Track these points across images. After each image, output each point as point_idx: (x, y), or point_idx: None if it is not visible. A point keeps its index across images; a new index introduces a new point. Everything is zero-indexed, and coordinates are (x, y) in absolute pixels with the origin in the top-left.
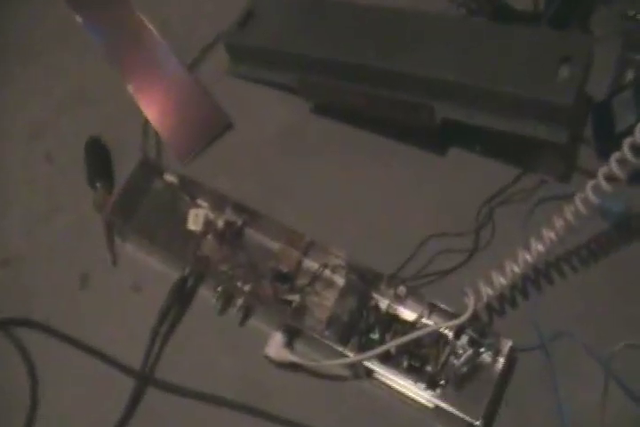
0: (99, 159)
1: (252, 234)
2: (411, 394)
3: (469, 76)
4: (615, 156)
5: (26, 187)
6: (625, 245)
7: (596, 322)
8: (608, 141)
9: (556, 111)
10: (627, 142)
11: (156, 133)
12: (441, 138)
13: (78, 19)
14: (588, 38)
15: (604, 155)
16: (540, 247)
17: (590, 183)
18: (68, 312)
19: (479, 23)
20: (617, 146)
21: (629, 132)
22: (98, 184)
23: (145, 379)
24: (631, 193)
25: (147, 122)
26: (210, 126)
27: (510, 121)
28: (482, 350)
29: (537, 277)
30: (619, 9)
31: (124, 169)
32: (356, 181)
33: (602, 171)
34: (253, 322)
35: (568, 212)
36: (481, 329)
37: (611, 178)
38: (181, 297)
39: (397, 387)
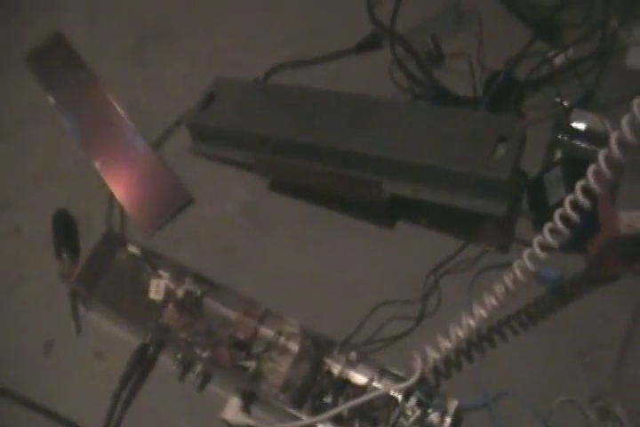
0: (65, 231)
1: (210, 303)
2: None
3: (414, 155)
4: (548, 226)
5: None
6: (560, 308)
7: (535, 380)
8: (542, 213)
9: (495, 186)
10: (557, 213)
11: (121, 207)
12: (390, 212)
13: (51, 99)
14: (522, 121)
15: (539, 226)
16: (483, 312)
17: (527, 252)
18: (33, 378)
19: (423, 107)
20: (550, 217)
21: (560, 204)
22: (64, 254)
23: None
24: (565, 260)
25: (112, 196)
26: (172, 201)
27: (453, 196)
28: (430, 410)
29: (480, 340)
30: (548, 96)
31: (89, 240)
32: (311, 254)
33: (536, 240)
34: (212, 387)
35: (507, 279)
36: (428, 391)
37: (545, 247)
38: (142, 364)
39: None
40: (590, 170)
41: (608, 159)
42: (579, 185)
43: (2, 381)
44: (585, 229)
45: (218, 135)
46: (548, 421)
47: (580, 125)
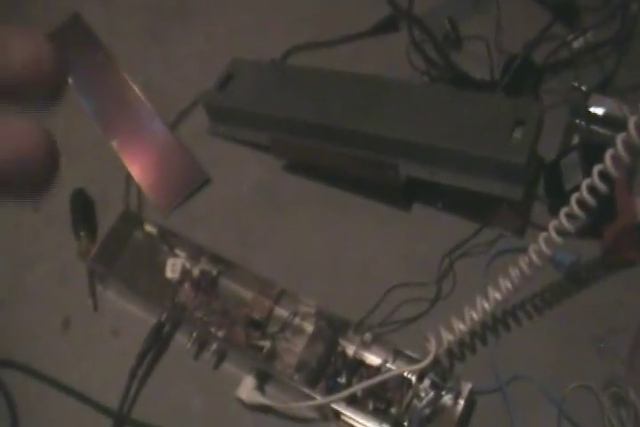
0: (83, 210)
1: (226, 283)
2: None
3: (431, 137)
4: (564, 210)
5: (12, 234)
6: (575, 294)
7: (549, 365)
8: (558, 198)
9: (512, 170)
10: (574, 198)
11: (138, 187)
12: (406, 194)
13: (68, 80)
14: (539, 104)
15: (554, 210)
16: (498, 296)
17: (543, 236)
18: (50, 355)
19: (440, 89)
20: (566, 202)
21: (577, 189)
22: (81, 233)
23: (122, 419)
24: (581, 245)
25: (129, 176)
26: (189, 181)
27: (470, 179)
28: (443, 392)
29: (495, 323)
30: (566, 81)
31: (106, 220)
32: (326, 234)
33: (552, 224)
34: (226, 366)
35: (523, 263)
36: (442, 373)
37: (561, 231)
38: (158, 342)
39: None
40: (608, 154)
41: (626, 144)
42: (596, 169)
43: (19, 356)
44: (601, 215)
45: (235, 116)
46: (562, 406)
47: (599, 110)
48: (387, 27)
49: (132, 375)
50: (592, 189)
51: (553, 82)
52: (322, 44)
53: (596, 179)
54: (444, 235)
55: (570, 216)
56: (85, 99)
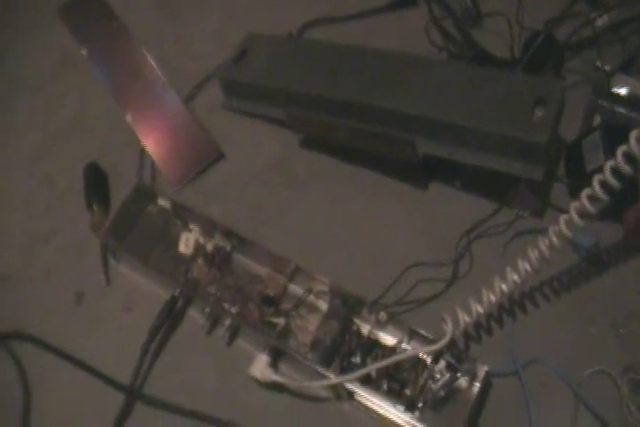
0: (96, 183)
1: (240, 259)
2: (390, 416)
3: (450, 115)
4: (586, 192)
5: (26, 208)
6: (595, 277)
7: (567, 349)
8: (579, 180)
9: (532, 149)
10: (597, 179)
11: (152, 161)
12: (423, 172)
13: (83, 51)
14: (561, 82)
15: (575, 192)
16: (516, 277)
17: (563, 217)
18: (63, 328)
19: (460, 66)
20: (587, 184)
21: (599, 170)
22: (95, 207)
23: (134, 394)
24: (601, 228)
25: (143, 150)
26: (202, 156)
27: (489, 158)
28: (459, 374)
29: (512, 306)
30: (589, 60)
31: (120, 193)
32: (342, 212)
33: (574, 206)
34: (240, 342)
35: (542, 244)
36: (458, 355)
37: (582, 213)
38: (171, 317)
39: (377, 409)
40: (633, 135)
41: None
42: (620, 150)
43: (32, 329)
44: (623, 197)
45: (250, 91)
46: (579, 390)
47: (622, 91)
48: (405, 2)
49: (145, 350)
50: (616, 171)
51: (575, 61)
52: (338, 19)
53: (620, 160)
54: (461, 214)
55: (592, 198)
56: (100, 70)
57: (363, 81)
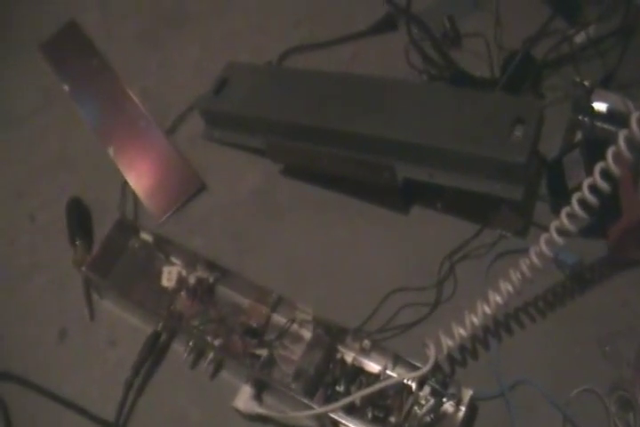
0: (79, 218)
1: (223, 290)
2: None
3: (429, 138)
4: (566, 210)
5: (9, 244)
6: (579, 295)
7: (553, 369)
8: (561, 197)
9: (511, 169)
10: (575, 197)
11: (134, 194)
12: (404, 196)
13: (65, 87)
14: (540, 102)
15: (558, 210)
16: (499, 299)
17: (544, 237)
18: (46, 366)
19: (439, 88)
20: (569, 201)
21: (580, 188)
22: (77, 242)
23: None
24: (585, 245)
25: (125, 183)
26: (184, 188)
27: (468, 179)
28: (444, 399)
29: (497, 327)
30: (568, 76)
31: (103, 228)
32: (323, 239)
33: (554, 225)
34: (224, 375)
35: (524, 265)
36: (443, 379)
37: (563, 232)
38: (155, 351)
39: None
40: (610, 152)
41: (628, 140)
42: (597, 168)
43: (16, 368)
44: (606, 213)
45: (230, 120)
46: (566, 411)
47: (602, 106)
48: (385, 26)
49: (129, 386)
50: (594, 188)
51: (555, 78)
52: (319, 45)
53: (597, 178)
54: (444, 237)
55: (571, 216)
56: (82, 105)
57: (341, 108)
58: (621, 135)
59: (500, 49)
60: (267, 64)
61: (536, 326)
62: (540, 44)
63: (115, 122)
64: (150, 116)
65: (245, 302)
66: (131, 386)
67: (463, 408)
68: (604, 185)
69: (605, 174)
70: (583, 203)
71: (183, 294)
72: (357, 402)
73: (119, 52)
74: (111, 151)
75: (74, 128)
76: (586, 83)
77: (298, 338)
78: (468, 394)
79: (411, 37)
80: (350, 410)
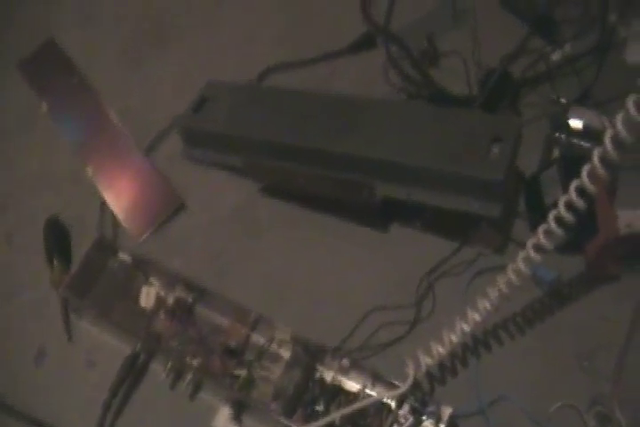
0: (57, 238)
1: (202, 310)
2: None
3: (407, 156)
4: (542, 227)
5: None
6: (558, 311)
7: (532, 385)
8: (539, 214)
9: (489, 187)
10: (552, 215)
11: (113, 214)
12: (383, 215)
13: (43, 106)
14: (517, 120)
15: (536, 227)
16: (477, 317)
17: (521, 254)
18: (24, 387)
19: (417, 106)
20: (546, 218)
21: (556, 205)
22: (55, 262)
23: None
24: (563, 261)
25: (104, 203)
26: (163, 207)
27: (446, 198)
28: (423, 417)
29: (476, 344)
30: (545, 94)
31: (82, 247)
32: (303, 258)
33: (530, 242)
34: (203, 396)
35: (501, 282)
36: (422, 398)
37: (540, 249)
38: (133, 372)
39: None
40: (585, 169)
41: (603, 158)
42: (573, 185)
43: None
44: (583, 229)
45: (209, 140)
46: (546, 426)
47: (578, 123)
48: (364, 44)
49: (106, 407)
50: (570, 206)
51: (533, 95)
52: (298, 64)
53: (573, 195)
54: (423, 255)
55: (548, 233)
56: (61, 124)
57: (320, 127)
58: (596, 153)
59: (478, 67)
60: (246, 83)
61: (515, 342)
62: (518, 62)
63: (94, 141)
64: (130, 134)
65: (224, 321)
66: (108, 408)
67: (442, 426)
68: (579, 202)
69: (581, 192)
70: (559, 220)
71: (162, 314)
72: (337, 421)
73: (99, 71)
74: (90, 171)
75: (53, 147)
76: (563, 100)
77: (277, 358)
78: (447, 412)
79: (389, 56)
80: None
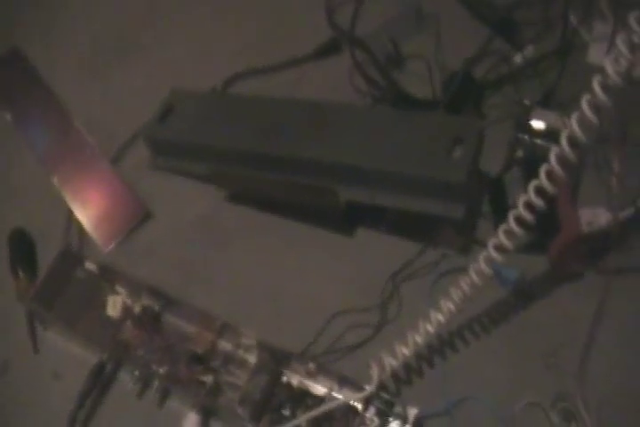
0: (22, 249)
1: (169, 318)
2: None
3: (369, 160)
4: (503, 227)
5: None
6: (523, 310)
7: (498, 384)
8: (502, 214)
9: (451, 189)
10: (511, 215)
11: (79, 224)
12: (348, 219)
13: (7, 115)
14: (478, 122)
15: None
16: (440, 318)
17: (482, 254)
18: None
19: (382, 111)
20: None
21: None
22: (20, 274)
23: None
24: (528, 261)
25: (70, 213)
26: (129, 216)
27: (410, 200)
28: (390, 419)
29: (441, 345)
30: (509, 96)
31: (48, 258)
32: (269, 265)
33: (491, 242)
34: (171, 403)
35: (464, 283)
36: (388, 399)
37: (501, 249)
38: (100, 382)
39: None
40: (543, 169)
41: (560, 158)
42: (532, 185)
43: None
44: (546, 229)
45: (175, 148)
46: (511, 425)
47: (540, 124)
48: (329, 49)
49: (73, 419)
50: (529, 206)
51: (496, 97)
52: (263, 70)
53: (532, 195)
54: (388, 258)
55: (509, 233)
56: (25, 134)
57: (286, 133)
58: (553, 153)
59: (441, 70)
60: (211, 90)
61: (480, 342)
62: (481, 65)
63: (59, 151)
64: (95, 144)
65: (191, 329)
66: (75, 419)
67: None
68: (538, 202)
69: (539, 191)
70: (519, 220)
71: (129, 323)
72: (304, 425)
73: (63, 81)
74: (55, 180)
75: (17, 157)
76: (526, 102)
77: (243, 363)
78: (412, 413)
79: (354, 60)
80: None
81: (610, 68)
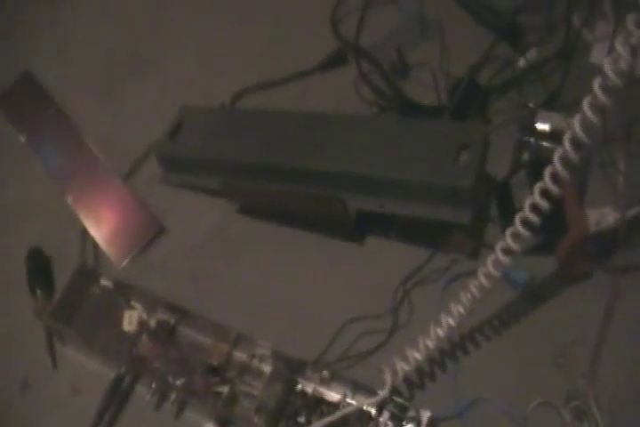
0: (39, 268)
1: (184, 331)
2: None
3: (376, 169)
4: (510, 230)
5: None
6: (533, 312)
7: (510, 385)
8: (510, 218)
9: (458, 194)
10: (518, 217)
11: (94, 241)
12: (358, 227)
13: (22, 137)
14: (484, 126)
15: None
16: (451, 321)
17: (490, 257)
18: (9, 417)
19: (388, 119)
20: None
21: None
22: (38, 292)
23: None
24: (537, 262)
25: (85, 230)
26: (143, 232)
27: (418, 207)
28: (404, 422)
29: (453, 348)
30: (514, 100)
31: (64, 276)
32: (281, 275)
33: (499, 245)
34: (188, 414)
35: (473, 286)
36: (401, 404)
37: (509, 251)
38: (118, 396)
39: None
40: (547, 171)
41: (563, 160)
42: (537, 187)
43: None
44: (554, 230)
45: (186, 164)
46: (524, 425)
47: (545, 126)
48: (335, 61)
49: None
50: (534, 208)
51: (501, 102)
52: (271, 84)
53: (537, 197)
54: (398, 264)
55: (515, 236)
56: (40, 156)
57: (295, 145)
58: (556, 154)
59: (447, 77)
60: (220, 106)
61: (491, 344)
62: (486, 70)
63: (73, 170)
64: (108, 162)
65: (206, 341)
66: None
67: None
68: (543, 204)
69: (545, 193)
70: (525, 222)
71: (145, 337)
72: None
73: (75, 101)
74: (69, 199)
75: (32, 178)
76: (530, 105)
77: (259, 373)
78: (425, 416)
79: (359, 70)
80: None
81: (609, 70)
